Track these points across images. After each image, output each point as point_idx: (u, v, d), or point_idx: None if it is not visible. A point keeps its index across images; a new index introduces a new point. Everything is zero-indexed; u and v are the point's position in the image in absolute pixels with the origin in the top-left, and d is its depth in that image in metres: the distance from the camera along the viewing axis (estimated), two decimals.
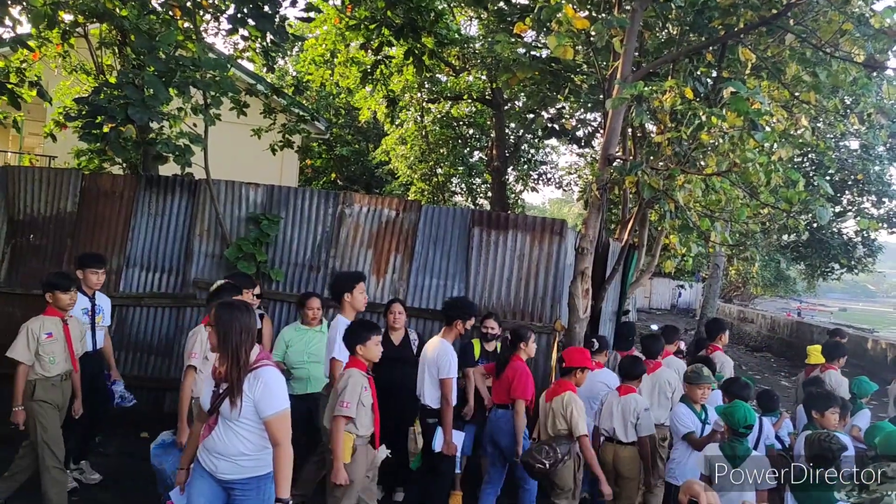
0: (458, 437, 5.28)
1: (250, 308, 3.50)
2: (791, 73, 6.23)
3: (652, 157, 6.14)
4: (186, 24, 7.72)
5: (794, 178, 5.64)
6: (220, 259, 7.42)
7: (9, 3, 6.77)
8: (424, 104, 15.65)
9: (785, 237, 19.89)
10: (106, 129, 6.45)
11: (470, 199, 19.23)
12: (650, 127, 8.00)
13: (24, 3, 6.95)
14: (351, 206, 7.40)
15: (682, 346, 7.61)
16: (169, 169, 7.72)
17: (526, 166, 18.67)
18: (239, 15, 7.06)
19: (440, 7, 10.92)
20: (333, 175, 19.64)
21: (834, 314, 41.10)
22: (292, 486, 3.38)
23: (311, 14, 8.68)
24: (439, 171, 17.21)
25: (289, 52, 17.17)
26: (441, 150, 16.79)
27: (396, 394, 5.45)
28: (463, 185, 19.20)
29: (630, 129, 7.68)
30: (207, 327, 3.41)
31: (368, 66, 11.88)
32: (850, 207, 19.99)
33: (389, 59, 12.08)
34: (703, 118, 5.32)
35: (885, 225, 19.23)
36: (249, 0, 7.03)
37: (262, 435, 3.36)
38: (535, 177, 19.80)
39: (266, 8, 7.08)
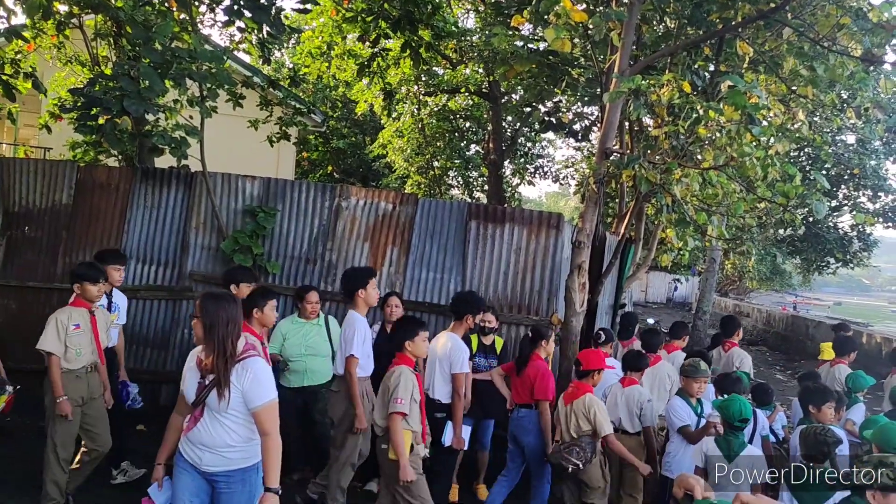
0: (466, 432, 5.31)
1: (236, 299, 3.49)
2: (788, 67, 6.22)
3: (649, 151, 6.13)
4: (182, 16, 7.68)
5: (791, 172, 5.63)
6: (216, 252, 7.41)
7: None
8: (421, 97, 15.62)
9: (781, 231, 19.93)
10: (101, 121, 6.42)
11: (466, 192, 19.23)
12: (647, 121, 7.99)
13: None
14: (347, 198, 7.39)
15: None
16: (165, 161, 7.68)
17: (523, 160, 18.68)
18: (235, 6, 7.01)
19: None
20: (330, 168, 19.62)
21: (829, 308, 41.28)
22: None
23: (308, 6, 8.63)
24: (436, 164, 17.19)
25: (285, 45, 17.10)
26: (438, 144, 16.77)
27: None
28: (459, 179, 19.20)
29: (627, 123, 7.66)
30: (193, 319, 3.39)
31: (365, 59, 11.85)
32: (846, 202, 20.01)
33: (386, 52, 12.04)
34: (701, 112, 5.31)
35: (881, 219, 19.27)
36: None
37: (249, 427, 3.35)
38: (532, 170, 19.81)
39: None
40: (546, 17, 5.62)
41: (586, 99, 12.57)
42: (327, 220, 7.38)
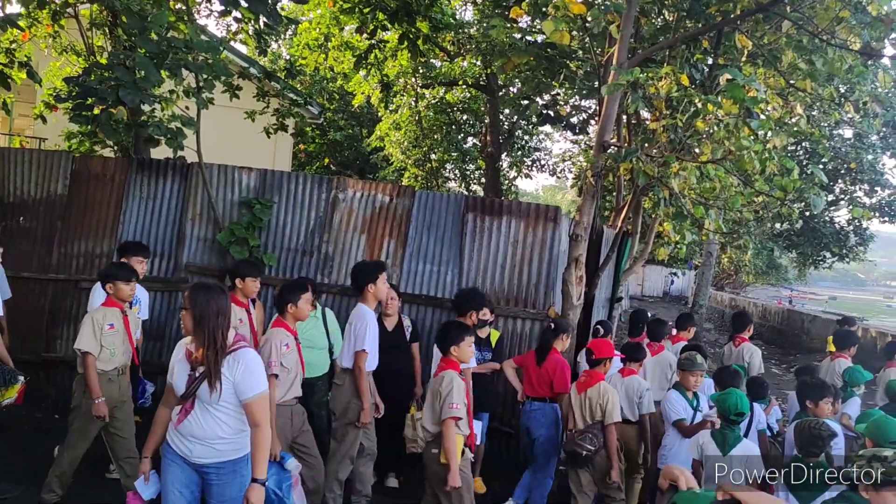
0: (477, 427, 5.31)
1: (225, 290, 3.49)
2: (787, 61, 6.21)
3: (647, 145, 6.11)
4: (178, 6, 7.63)
5: (788, 166, 5.63)
6: (212, 243, 7.38)
7: None
8: (419, 89, 15.57)
9: (778, 225, 19.95)
10: (97, 111, 6.38)
11: (463, 185, 19.20)
12: (645, 114, 7.98)
13: None
14: (344, 191, 7.37)
15: None
16: (161, 152, 7.64)
17: (520, 153, 18.63)
18: None
19: None
20: (327, 160, 19.56)
21: (825, 303, 41.39)
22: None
23: None
24: (433, 156, 17.14)
25: (282, 36, 17.02)
26: (435, 136, 16.73)
27: (390, 380, 5.46)
28: (457, 171, 19.17)
29: (625, 116, 7.65)
30: (182, 311, 3.35)
31: (362, 51, 11.79)
32: (842, 196, 20.04)
33: (384, 44, 11.98)
34: (699, 105, 5.31)
35: (878, 214, 19.30)
36: None
37: (240, 418, 3.34)
38: (529, 163, 19.77)
39: None
40: (544, 9, 5.61)
41: (584, 92, 12.56)
42: (324, 213, 7.36)
